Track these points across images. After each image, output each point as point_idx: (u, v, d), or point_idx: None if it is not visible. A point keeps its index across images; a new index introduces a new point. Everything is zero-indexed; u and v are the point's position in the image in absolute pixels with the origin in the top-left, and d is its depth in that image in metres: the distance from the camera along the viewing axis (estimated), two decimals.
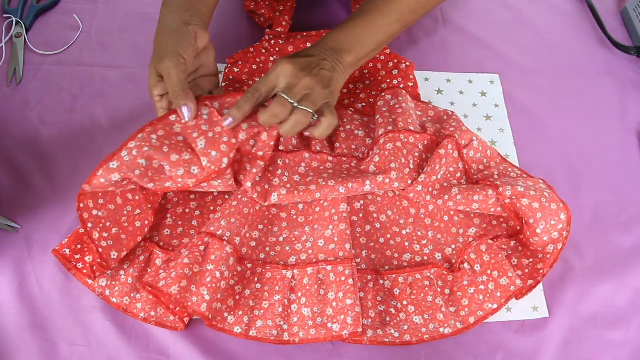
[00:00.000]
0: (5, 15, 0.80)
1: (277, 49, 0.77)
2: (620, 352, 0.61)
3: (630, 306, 0.63)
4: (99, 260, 0.57)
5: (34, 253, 0.62)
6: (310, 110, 0.57)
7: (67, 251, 0.59)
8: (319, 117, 0.59)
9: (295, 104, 0.57)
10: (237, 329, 0.57)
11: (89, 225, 0.57)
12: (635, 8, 0.84)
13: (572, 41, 0.85)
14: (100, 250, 0.57)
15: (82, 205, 0.57)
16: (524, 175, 0.66)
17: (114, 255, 0.58)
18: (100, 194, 0.58)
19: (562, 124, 0.76)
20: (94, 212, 0.58)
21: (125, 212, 0.60)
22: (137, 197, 0.60)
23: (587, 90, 0.80)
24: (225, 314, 0.57)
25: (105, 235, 0.58)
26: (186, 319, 0.58)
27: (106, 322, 0.58)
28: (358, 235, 0.64)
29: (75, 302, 0.59)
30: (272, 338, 0.57)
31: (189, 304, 0.55)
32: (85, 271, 0.58)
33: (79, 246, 0.59)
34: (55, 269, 0.61)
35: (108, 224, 0.58)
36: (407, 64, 0.77)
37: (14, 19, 0.79)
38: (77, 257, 0.58)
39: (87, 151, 0.69)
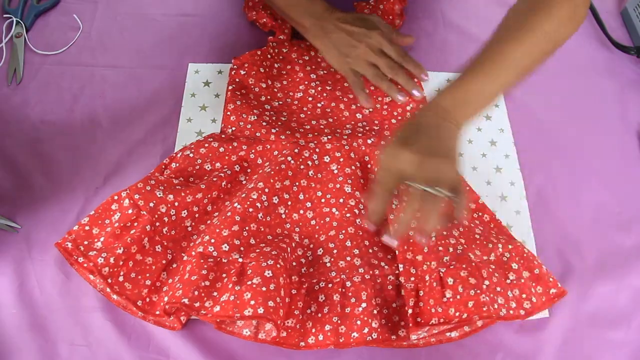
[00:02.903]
0: (5, 15, 0.80)
1: (281, 57, 0.77)
2: (620, 352, 0.61)
3: (630, 306, 0.63)
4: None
5: (34, 253, 0.62)
6: (445, 194, 0.54)
7: (70, 245, 0.59)
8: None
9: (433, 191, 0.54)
10: (246, 332, 0.57)
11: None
12: (635, 8, 0.84)
13: (572, 41, 0.84)
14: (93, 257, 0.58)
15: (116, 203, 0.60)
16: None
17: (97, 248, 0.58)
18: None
19: (562, 124, 0.76)
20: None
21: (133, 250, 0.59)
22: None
23: (587, 90, 0.80)
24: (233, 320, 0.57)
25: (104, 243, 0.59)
26: (183, 319, 0.58)
27: (106, 322, 0.58)
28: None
29: (75, 302, 0.59)
30: (277, 340, 0.56)
31: (203, 312, 0.55)
32: (86, 265, 0.58)
33: (85, 242, 0.59)
34: (55, 269, 0.61)
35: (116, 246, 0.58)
36: None
37: (14, 19, 0.79)
38: (81, 248, 0.58)
39: (87, 151, 0.69)
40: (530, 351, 0.60)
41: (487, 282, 0.59)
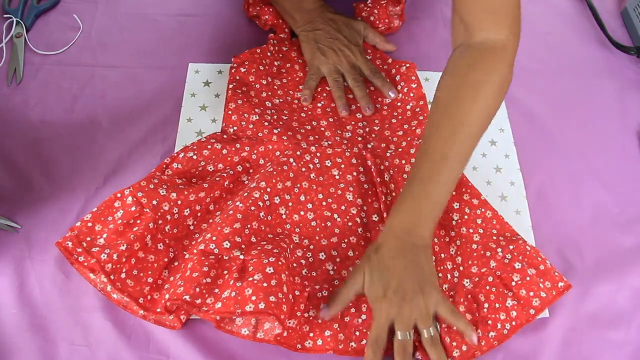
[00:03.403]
0: (5, 16, 0.80)
1: (281, 55, 0.78)
2: (620, 352, 0.60)
3: (630, 306, 0.63)
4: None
5: (34, 253, 0.62)
6: (432, 330, 0.55)
7: (70, 244, 0.58)
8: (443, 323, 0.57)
9: (412, 334, 0.55)
10: (245, 331, 0.57)
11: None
12: (635, 8, 0.84)
13: (572, 41, 0.85)
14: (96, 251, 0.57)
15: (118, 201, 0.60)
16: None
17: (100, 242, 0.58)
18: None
19: (562, 124, 0.76)
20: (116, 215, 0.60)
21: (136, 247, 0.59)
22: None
23: (587, 90, 0.80)
24: (233, 316, 0.57)
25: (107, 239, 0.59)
26: (183, 317, 0.58)
27: (106, 321, 0.58)
28: None
29: (75, 302, 0.59)
30: (279, 338, 0.56)
31: (205, 309, 0.55)
32: (86, 264, 0.58)
33: (88, 238, 0.59)
34: (55, 269, 0.61)
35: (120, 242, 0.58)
36: (408, 65, 0.77)
37: (14, 19, 0.79)
38: (84, 244, 0.58)
39: (87, 151, 0.69)
40: (530, 351, 0.60)
41: (486, 305, 0.59)
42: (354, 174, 0.67)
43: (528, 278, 0.60)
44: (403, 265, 0.56)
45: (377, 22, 0.81)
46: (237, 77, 0.74)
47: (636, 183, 0.72)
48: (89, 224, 0.60)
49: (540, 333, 0.61)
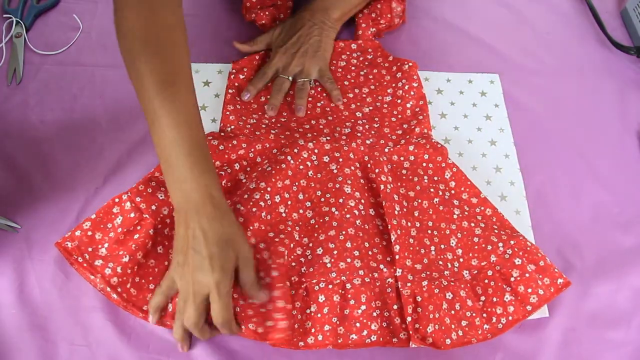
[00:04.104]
0: (5, 15, 0.80)
1: None
2: (620, 352, 0.60)
3: (630, 306, 0.63)
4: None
5: (34, 253, 0.62)
6: (304, 79, 0.74)
7: (69, 244, 0.58)
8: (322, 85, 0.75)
9: (290, 78, 0.74)
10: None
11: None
12: (635, 8, 0.84)
13: (572, 41, 0.85)
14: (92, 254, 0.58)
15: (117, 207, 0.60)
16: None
17: (101, 253, 0.59)
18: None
19: (562, 124, 0.76)
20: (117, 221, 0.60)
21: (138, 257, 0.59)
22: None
23: (587, 90, 0.80)
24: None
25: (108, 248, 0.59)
26: None
27: (106, 322, 0.58)
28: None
29: (75, 302, 0.59)
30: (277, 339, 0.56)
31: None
32: (85, 265, 0.58)
33: (89, 249, 0.59)
34: (55, 269, 0.61)
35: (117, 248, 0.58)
36: (410, 64, 0.77)
37: (14, 19, 0.79)
38: (87, 256, 0.58)
39: (87, 151, 0.69)
40: (530, 351, 0.60)
41: (483, 298, 0.60)
42: (352, 168, 0.67)
43: (527, 274, 0.60)
44: (303, 32, 0.75)
45: (379, 18, 0.80)
46: (236, 84, 0.74)
47: (636, 183, 0.72)
48: (89, 233, 0.59)
49: (540, 333, 0.61)
